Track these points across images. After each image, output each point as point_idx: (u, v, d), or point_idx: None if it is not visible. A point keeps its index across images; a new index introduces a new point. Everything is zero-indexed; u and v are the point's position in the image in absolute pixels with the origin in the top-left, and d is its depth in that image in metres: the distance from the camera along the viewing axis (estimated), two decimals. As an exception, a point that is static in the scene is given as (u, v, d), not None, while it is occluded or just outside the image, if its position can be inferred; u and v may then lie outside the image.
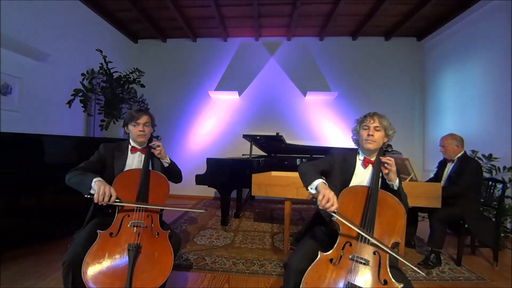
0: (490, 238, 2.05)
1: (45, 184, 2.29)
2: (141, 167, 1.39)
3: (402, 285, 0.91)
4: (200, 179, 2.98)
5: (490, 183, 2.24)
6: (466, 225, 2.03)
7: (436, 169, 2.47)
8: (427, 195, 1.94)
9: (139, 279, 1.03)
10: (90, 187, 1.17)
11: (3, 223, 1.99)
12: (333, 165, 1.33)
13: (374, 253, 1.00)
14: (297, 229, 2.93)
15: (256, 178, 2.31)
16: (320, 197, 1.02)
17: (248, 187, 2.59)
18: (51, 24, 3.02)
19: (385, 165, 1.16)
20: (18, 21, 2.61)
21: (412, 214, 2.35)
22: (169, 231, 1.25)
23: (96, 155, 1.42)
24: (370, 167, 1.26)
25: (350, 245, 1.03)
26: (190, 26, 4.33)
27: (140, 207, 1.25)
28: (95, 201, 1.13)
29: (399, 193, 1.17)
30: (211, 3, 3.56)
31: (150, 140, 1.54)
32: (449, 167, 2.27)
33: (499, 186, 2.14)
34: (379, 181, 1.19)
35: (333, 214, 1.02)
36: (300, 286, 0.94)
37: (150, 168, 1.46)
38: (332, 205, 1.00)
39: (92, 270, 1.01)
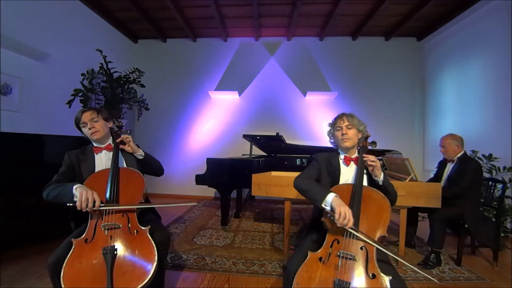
0: (490, 238, 2.05)
1: (45, 184, 2.28)
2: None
3: (390, 277, 0.93)
4: (200, 179, 2.98)
5: (490, 183, 2.24)
6: (466, 225, 2.03)
7: (436, 169, 2.47)
8: (427, 195, 1.94)
9: (121, 280, 1.01)
10: (73, 195, 1.13)
11: (3, 223, 1.99)
12: (321, 169, 1.38)
13: (361, 248, 1.03)
14: (297, 229, 2.93)
15: (256, 178, 2.31)
16: (337, 216, 1.03)
17: (248, 187, 2.58)
18: (51, 24, 3.02)
19: (369, 162, 1.22)
20: (18, 21, 2.61)
21: (412, 214, 2.35)
22: (149, 226, 1.19)
23: (64, 165, 1.36)
24: (353, 165, 1.33)
25: (338, 242, 1.06)
26: (190, 26, 4.33)
27: (127, 208, 1.20)
28: (78, 208, 1.09)
29: (385, 187, 1.23)
30: (211, 3, 3.56)
31: (115, 136, 1.47)
32: (449, 167, 2.27)
33: (499, 186, 2.14)
34: (364, 178, 1.27)
35: (350, 230, 1.03)
36: (292, 287, 0.96)
37: (124, 165, 1.42)
38: (349, 221, 1.02)
39: (71, 279, 0.99)
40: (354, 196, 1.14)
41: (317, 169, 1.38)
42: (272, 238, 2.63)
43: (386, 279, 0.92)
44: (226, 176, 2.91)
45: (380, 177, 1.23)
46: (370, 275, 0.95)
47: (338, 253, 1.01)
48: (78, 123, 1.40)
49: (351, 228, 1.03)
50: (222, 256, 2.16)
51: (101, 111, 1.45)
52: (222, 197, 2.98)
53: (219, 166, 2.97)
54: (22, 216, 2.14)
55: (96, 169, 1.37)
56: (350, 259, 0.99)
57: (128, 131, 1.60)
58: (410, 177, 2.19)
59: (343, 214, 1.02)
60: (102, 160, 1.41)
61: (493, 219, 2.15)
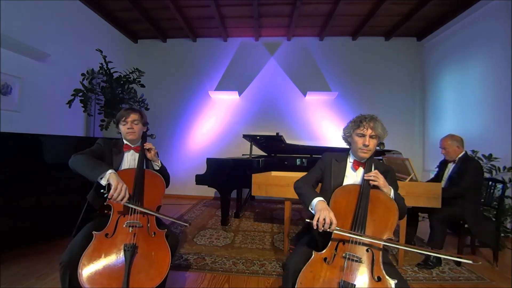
0: (490, 238, 2.04)
1: (45, 184, 2.28)
2: (135, 166, 1.37)
3: (395, 281, 0.92)
4: (200, 179, 2.98)
5: (490, 183, 2.24)
6: (466, 225, 2.03)
7: (436, 169, 2.47)
8: (427, 195, 1.94)
9: (136, 279, 1.02)
10: (102, 177, 1.15)
11: (3, 223, 1.99)
12: (324, 170, 1.33)
13: (367, 250, 1.01)
14: (297, 229, 2.92)
15: (256, 178, 2.31)
16: (314, 221, 1.03)
17: (248, 187, 2.58)
18: (51, 24, 3.02)
19: (366, 177, 1.15)
20: (18, 21, 2.61)
21: (412, 214, 2.35)
22: (165, 230, 1.23)
23: (97, 145, 1.40)
24: (361, 169, 1.26)
25: (344, 243, 1.05)
26: (190, 26, 4.33)
27: (147, 213, 1.23)
28: (109, 196, 1.11)
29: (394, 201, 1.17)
30: (211, 3, 3.56)
31: (144, 139, 1.52)
32: (450, 167, 2.27)
33: (499, 186, 2.14)
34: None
35: (335, 231, 1.02)
36: (295, 287, 0.95)
37: (145, 167, 1.44)
38: (330, 223, 1.01)
39: (88, 271, 1.00)
40: (361, 197, 1.11)
41: (321, 169, 1.34)
42: (272, 238, 2.63)
43: (392, 283, 0.91)
44: (226, 176, 2.91)
45: (390, 194, 1.15)
46: (376, 278, 0.94)
47: (344, 254, 1.00)
48: (120, 119, 1.45)
49: (336, 230, 1.01)
50: (222, 256, 2.16)
51: (143, 117, 1.50)
52: (222, 197, 2.98)
53: (219, 166, 2.97)
54: (22, 216, 2.14)
55: (122, 167, 1.40)
56: (355, 261, 0.98)
57: (153, 135, 1.65)
58: (410, 177, 2.19)
59: (321, 219, 1.01)
60: (128, 159, 1.45)
61: (493, 219, 2.15)
